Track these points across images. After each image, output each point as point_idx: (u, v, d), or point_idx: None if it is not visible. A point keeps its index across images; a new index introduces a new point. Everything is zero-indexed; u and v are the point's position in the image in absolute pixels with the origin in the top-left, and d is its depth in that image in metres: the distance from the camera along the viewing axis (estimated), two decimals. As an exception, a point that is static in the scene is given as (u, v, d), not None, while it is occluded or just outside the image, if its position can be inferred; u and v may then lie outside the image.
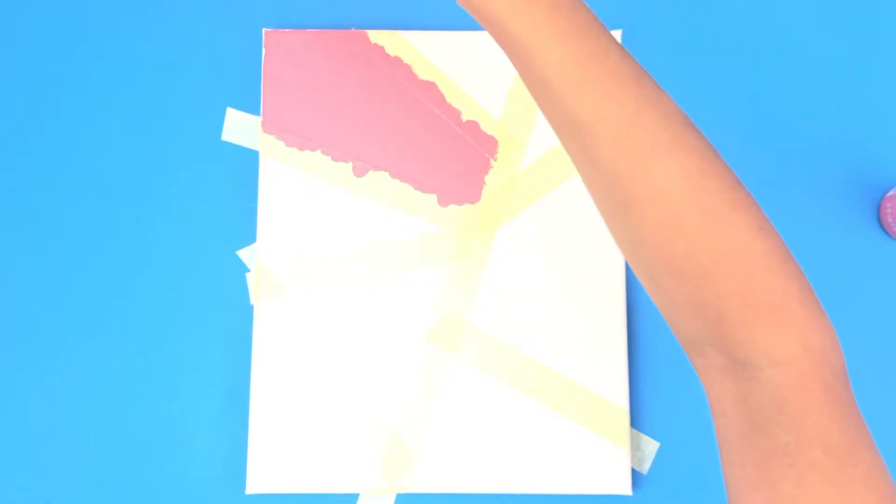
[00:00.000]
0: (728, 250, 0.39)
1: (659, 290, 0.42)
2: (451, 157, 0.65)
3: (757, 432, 0.39)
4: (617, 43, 0.41)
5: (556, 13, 0.40)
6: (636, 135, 0.40)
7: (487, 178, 0.64)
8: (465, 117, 0.65)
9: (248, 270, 0.65)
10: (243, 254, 0.65)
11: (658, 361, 0.64)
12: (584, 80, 0.40)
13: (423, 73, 0.65)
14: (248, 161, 0.66)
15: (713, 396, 0.42)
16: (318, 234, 0.64)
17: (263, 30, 0.66)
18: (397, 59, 0.66)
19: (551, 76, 0.40)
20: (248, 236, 0.66)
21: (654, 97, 0.40)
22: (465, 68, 0.65)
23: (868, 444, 0.39)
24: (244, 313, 0.65)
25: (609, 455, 0.61)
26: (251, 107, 0.67)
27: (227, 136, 0.67)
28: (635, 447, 0.63)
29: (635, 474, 0.63)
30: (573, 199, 0.64)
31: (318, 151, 0.65)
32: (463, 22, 0.67)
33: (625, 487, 0.61)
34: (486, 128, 0.65)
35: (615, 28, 0.67)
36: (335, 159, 0.65)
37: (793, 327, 0.39)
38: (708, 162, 0.40)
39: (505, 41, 0.42)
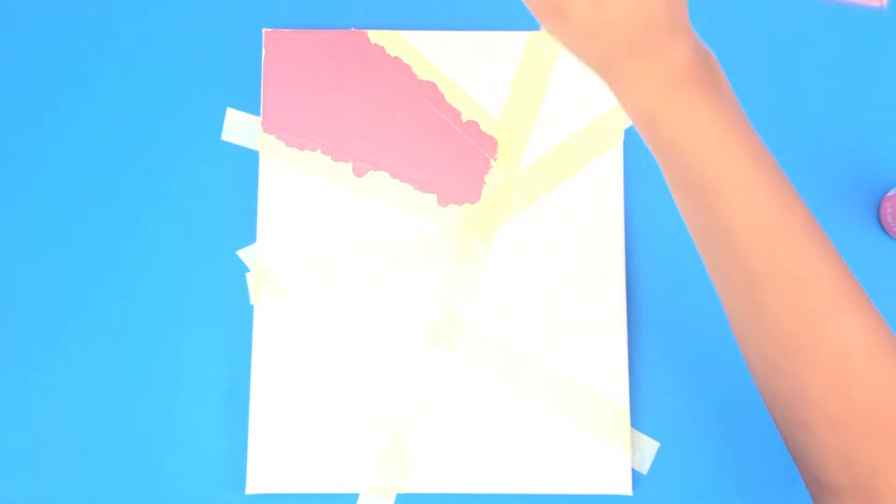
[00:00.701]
0: (892, 410, 0.41)
1: (808, 438, 0.43)
2: (451, 157, 0.65)
3: None
4: (798, 195, 0.42)
5: (756, 163, 0.40)
6: (817, 292, 0.41)
7: (487, 178, 0.64)
8: (465, 117, 0.65)
9: (248, 270, 0.65)
10: (243, 254, 0.65)
11: (658, 361, 0.64)
12: (775, 239, 0.41)
13: (423, 73, 0.65)
14: (248, 161, 0.66)
15: None
16: (318, 234, 0.64)
17: (263, 30, 0.66)
18: (397, 59, 0.66)
19: (740, 225, 0.41)
20: (248, 236, 0.66)
21: (833, 254, 0.42)
22: (465, 68, 0.65)
23: None
24: (244, 313, 0.65)
25: (609, 455, 0.61)
26: (251, 107, 0.67)
27: (227, 136, 0.67)
28: (635, 447, 0.63)
29: (635, 474, 0.63)
30: (573, 199, 0.64)
31: (318, 151, 0.65)
32: (463, 22, 0.67)
33: (625, 487, 0.61)
34: (486, 128, 0.65)
35: (615, 28, 0.67)
36: (335, 159, 0.65)
37: None
38: (878, 324, 0.42)
39: (689, 179, 0.41)
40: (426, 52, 0.65)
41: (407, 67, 0.65)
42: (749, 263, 0.41)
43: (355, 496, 0.63)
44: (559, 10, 0.41)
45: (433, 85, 0.65)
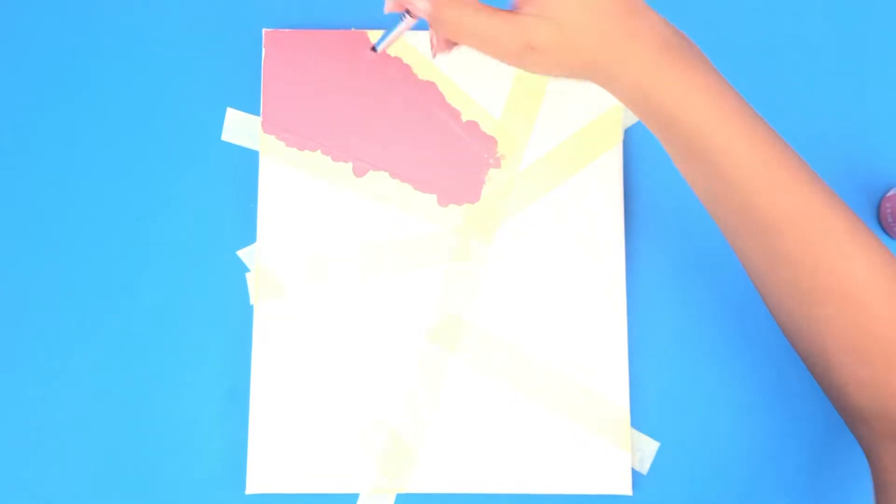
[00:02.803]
0: None
1: (832, 370, 0.46)
2: (451, 157, 0.65)
3: None
4: (790, 147, 0.46)
5: (749, 120, 0.44)
6: (825, 233, 0.44)
7: (487, 178, 0.64)
8: (465, 117, 0.65)
9: (248, 270, 0.65)
10: (243, 254, 0.65)
11: (658, 362, 0.64)
12: (775, 185, 0.44)
13: (423, 73, 0.65)
14: (248, 161, 0.66)
15: (877, 462, 0.47)
16: (318, 234, 0.64)
17: (263, 30, 0.66)
18: (397, 59, 0.66)
19: (739, 179, 0.44)
20: (248, 236, 0.66)
21: (833, 197, 0.45)
22: (465, 68, 0.65)
23: None
24: (244, 313, 0.65)
25: (609, 455, 0.61)
26: (251, 107, 0.67)
27: (227, 136, 0.67)
28: (635, 447, 0.63)
29: (635, 474, 0.63)
30: (573, 199, 0.64)
31: (318, 151, 0.65)
32: (463, 22, 0.67)
33: (625, 487, 0.61)
34: (486, 128, 0.65)
35: (615, 28, 0.67)
36: (335, 159, 0.65)
37: None
38: (888, 255, 0.45)
39: (685, 144, 0.45)
40: (426, 52, 0.66)
41: (407, 67, 0.65)
42: (758, 214, 0.44)
43: (355, 496, 0.63)
44: (530, 45, 0.45)
45: (433, 85, 0.65)
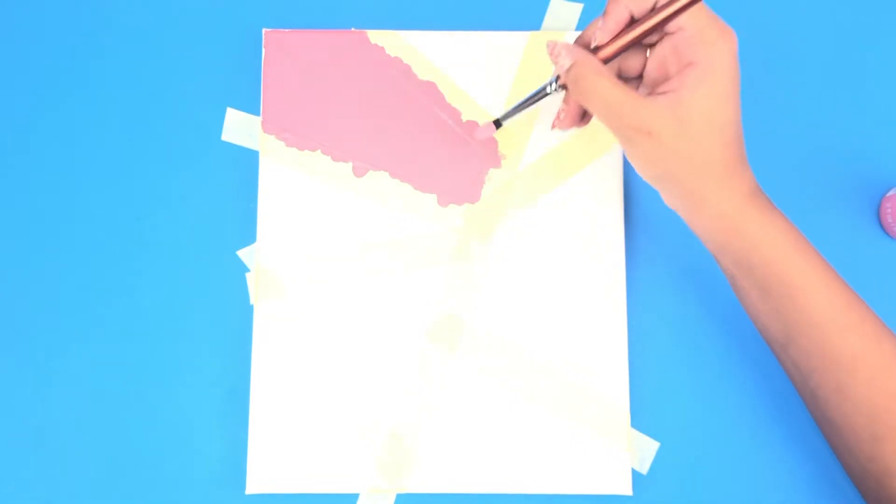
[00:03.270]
0: None
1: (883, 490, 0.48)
2: (451, 157, 0.65)
3: None
4: (858, 295, 0.49)
5: (821, 264, 0.48)
6: (891, 378, 0.46)
7: (487, 178, 0.64)
8: (465, 117, 0.65)
9: (248, 270, 0.65)
10: (243, 254, 0.65)
11: (658, 361, 0.64)
12: (850, 325, 0.47)
13: (423, 73, 0.65)
14: (248, 161, 0.66)
15: None
16: (318, 234, 0.64)
17: (263, 30, 0.66)
18: (397, 59, 0.66)
19: (821, 317, 0.47)
20: (248, 236, 0.66)
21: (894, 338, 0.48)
22: (465, 68, 0.65)
23: None
24: (244, 313, 0.65)
25: (609, 455, 0.61)
26: (251, 107, 0.67)
27: (227, 136, 0.67)
28: (635, 447, 0.63)
29: (635, 474, 0.63)
30: (573, 199, 0.64)
31: (318, 151, 0.65)
32: (463, 22, 0.67)
33: (625, 487, 0.61)
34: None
35: (615, 28, 0.67)
36: (335, 159, 0.65)
37: None
38: None
39: (767, 280, 0.48)
40: (426, 52, 0.66)
41: (407, 67, 0.65)
42: (832, 352, 0.47)
43: (355, 496, 0.63)
44: (648, 128, 0.47)
45: (433, 85, 0.65)
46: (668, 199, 0.51)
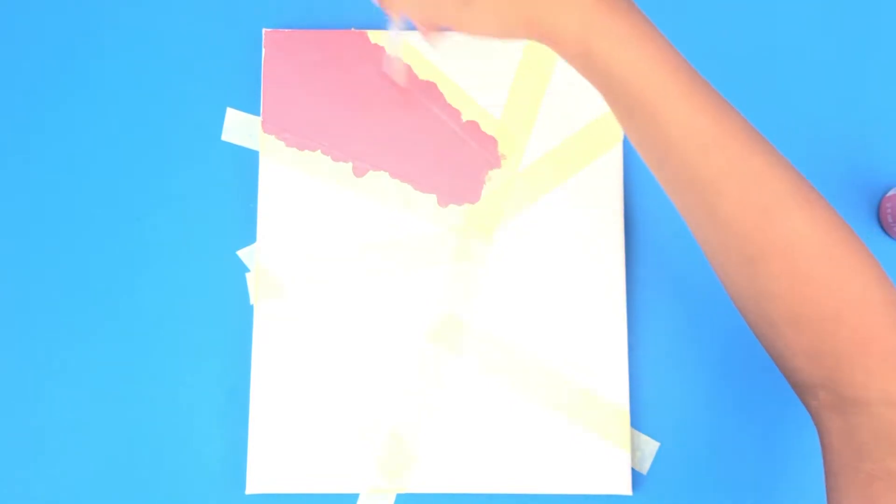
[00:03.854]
0: (851, 300, 0.42)
1: (776, 339, 0.45)
2: (451, 157, 0.65)
3: (862, 459, 0.42)
4: (729, 103, 0.44)
5: (682, 76, 0.42)
6: (763, 192, 0.42)
7: (487, 178, 0.64)
8: (465, 117, 0.65)
9: (248, 270, 0.65)
10: (243, 254, 0.65)
11: (658, 361, 0.64)
12: (712, 142, 0.42)
13: (423, 73, 0.65)
14: (248, 161, 0.66)
15: (824, 434, 0.45)
16: (318, 234, 0.64)
17: (263, 30, 0.66)
18: (397, 59, 0.65)
19: (679, 137, 0.42)
20: (248, 236, 0.66)
21: (774, 155, 0.43)
22: (465, 68, 0.65)
23: None
24: (244, 313, 0.65)
25: (609, 455, 0.61)
26: (251, 107, 0.67)
27: (227, 136, 0.67)
28: (635, 447, 0.63)
29: (635, 474, 0.63)
30: (573, 199, 0.64)
31: (318, 151, 0.65)
32: (463, 22, 0.67)
33: (625, 487, 0.61)
34: (486, 128, 0.65)
35: (615, 28, 0.67)
36: (335, 159, 0.65)
37: None
38: (830, 215, 0.42)
39: (619, 95, 0.43)
40: (426, 52, 0.66)
41: (407, 67, 0.65)
42: (697, 173, 0.43)
43: (355, 496, 0.63)
44: None
45: (433, 85, 0.65)
46: (514, 29, 0.47)
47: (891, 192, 0.63)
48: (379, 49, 0.66)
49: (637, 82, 0.42)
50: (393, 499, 0.63)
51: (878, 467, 0.41)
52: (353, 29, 0.67)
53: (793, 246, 0.42)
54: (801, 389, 0.46)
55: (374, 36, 0.66)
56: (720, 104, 0.43)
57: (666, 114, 0.42)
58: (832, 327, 0.42)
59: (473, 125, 0.65)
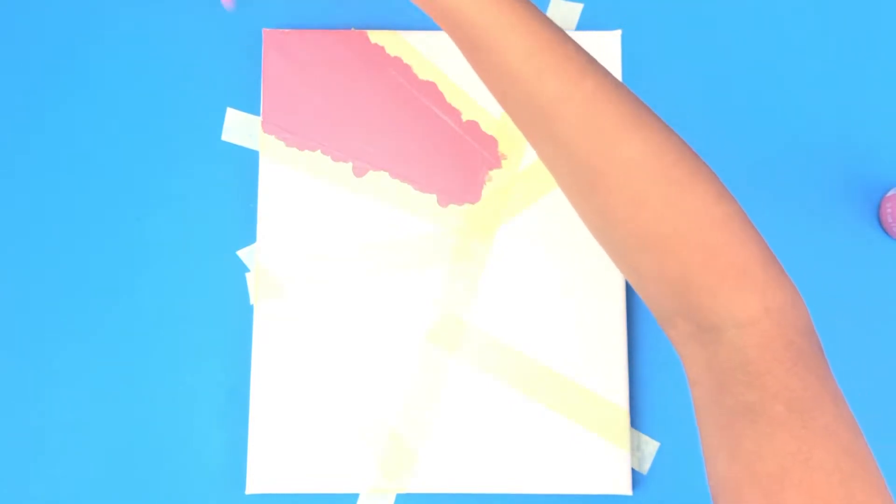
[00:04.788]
0: (690, 219, 0.41)
1: (629, 267, 0.43)
2: (451, 157, 0.65)
3: (723, 393, 0.40)
4: (564, 32, 0.43)
5: (516, 6, 0.42)
6: (598, 115, 0.41)
7: (487, 178, 0.64)
8: (465, 117, 0.65)
9: (248, 270, 0.65)
10: (243, 254, 0.65)
11: (658, 361, 0.64)
12: (546, 67, 0.42)
13: (423, 73, 0.65)
14: (248, 161, 0.66)
15: (686, 365, 0.43)
16: (318, 234, 0.64)
17: (263, 30, 0.66)
18: (397, 59, 0.66)
19: (513, 64, 0.42)
20: (248, 236, 0.66)
21: (610, 81, 0.42)
22: (465, 68, 0.65)
23: (834, 397, 0.39)
24: (244, 313, 0.65)
25: (609, 455, 0.61)
26: (251, 107, 0.67)
27: (227, 136, 0.67)
28: (635, 447, 0.63)
29: (635, 474, 0.63)
30: (573, 199, 0.64)
31: (318, 151, 0.65)
32: (463, 22, 0.67)
33: (625, 487, 0.61)
34: (486, 128, 0.65)
35: (614, 28, 0.67)
36: (335, 159, 0.65)
37: (754, 289, 0.41)
38: (666, 137, 0.42)
39: (461, 32, 0.43)
40: (426, 52, 0.66)
41: (407, 67, 0.65)
42: (534, 99, 0.42)
43: (355, 496, 0.63)
44: None
45: (433, 85, 0.65)
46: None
47: (891, 192, 0.63)
48: (379, 49, 0.66)
49: (473, 16, 0.42)
50: (393, 499, 0.63)
51: (738, 402, 0.40)
52: (353, 29, 0.67)
53: (629, 169, 0.41)
54: (661, 320, 0.44)
55: (374, 36, 0.66)
56: (554, 31, 0.42)
57: (502, 44, 0.42)
58: (676, 248, 0.41)
59: (473, 125, 0.65)
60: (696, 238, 0.41)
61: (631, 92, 0.43)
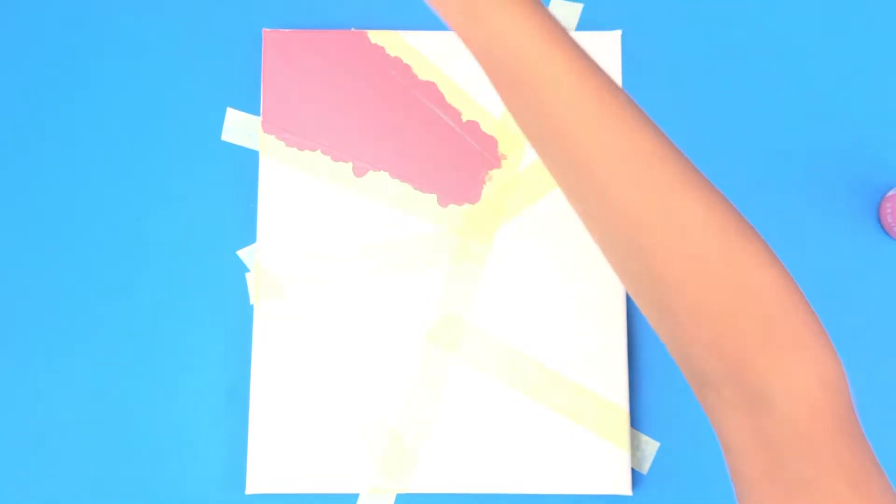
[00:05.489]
0: (751, 284, 0.40)
1: (674, 330, 0.42)
2: (451, 157, 0.65)
3: (776, 466, 0.40)
4: (616, 84, 0.41)
5: (568, 48, 0.40)
6: (654, 173, 0.40)
7: (487, 178, 0.64)
8: (465, 117, 0.65)
9: (248, 270, 0.65)
10: (243, 254, 0.65)
11: (658, 362, 0.64)
12: (599, 118, 0.40)
13: (423, 73, 0.65)
14: (248, 161, 0.66)
15: (727, 433, 0.42)
16: (318, 234, 0.64)
17: (263, 30, 0.66)
18: (397, 59, 0.66)
19: (563, 111, 0.40)
20: (248, 236, 0.66)
21: (662, 137, 0.41)
22: (465, 68, 0.65)
23: (875, 465, 0.39)
24: (244, 313, 0.65)
25: (609, 455, 0.61)
26: (251, 107, 0.67)
27: (227, 136, 0.67)
28: (635, 447, 0.63)
29: (635, 474, 0.63)
30: (573, 199, 0.64)
31: (318, 151, 0.65)
32: (463, 22, 0.67)
33: (625, 487, 0.61)
34: (486, 128, 0.65)
35: (615, 28, 0.67)
36: (335, 159, 0.65)
37: (808, 360, 0.40)
38: (719, 198, 0.40)
39: (505, 70, 0.41)
40: (426, 52, 0.66)
41: (407, 67, 0.65)
42: (579, 152, 0.40)
43: (355, 496, 0.63)
44: None
45: (433, 85, 0.65)
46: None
47: (891, 192, 0.63)
48: (379, 49, 0.66)
49: (520, 50, 0.40)
50: (393, 499, 0.63)
51: (794, 477, 0.39)
52: (353, 29, 0.67)
53: (684, 228, 0.40)
54: (700, 384, 0.43)
55: (374, 36, 0.66)
56: (604, 79, 0.41)
57: (549, 85, 0.40)
58: (733, 315, 0.40)
59: (473, 125, 0.65)
60: (754, 306, 0.40)
61: (680, 151, 0.42)
